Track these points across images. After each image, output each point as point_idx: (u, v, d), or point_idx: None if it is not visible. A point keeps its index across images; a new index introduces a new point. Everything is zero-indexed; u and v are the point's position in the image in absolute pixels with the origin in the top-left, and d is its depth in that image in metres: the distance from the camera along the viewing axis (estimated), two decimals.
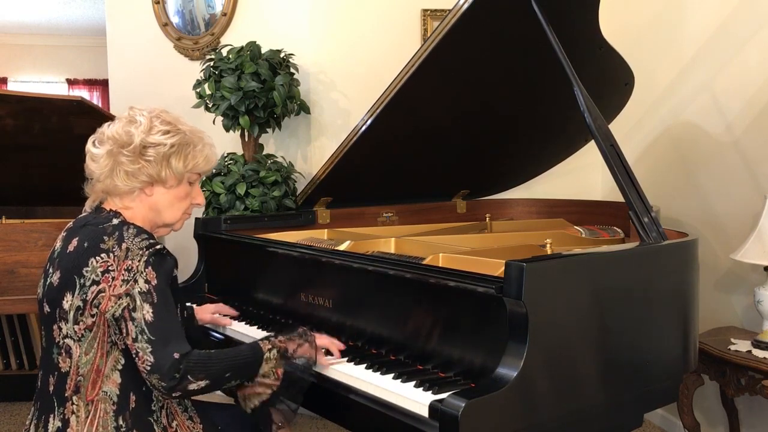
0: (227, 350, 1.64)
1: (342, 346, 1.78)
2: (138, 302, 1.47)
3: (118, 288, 1.47)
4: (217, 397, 3.20)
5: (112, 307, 1.47)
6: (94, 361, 1.51)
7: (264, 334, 2.01)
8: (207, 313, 2.16)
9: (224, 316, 2.19)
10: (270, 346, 1.61)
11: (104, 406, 1.51)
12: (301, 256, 2.06)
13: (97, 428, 1.50)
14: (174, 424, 1.59)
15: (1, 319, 3.56)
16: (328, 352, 1.76)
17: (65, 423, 1.51)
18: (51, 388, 1.55)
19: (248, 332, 2.06)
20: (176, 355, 1.46)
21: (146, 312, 1.46)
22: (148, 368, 1.46)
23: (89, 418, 1.51)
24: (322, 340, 1.76)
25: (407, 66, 2.18)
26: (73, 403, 1.52)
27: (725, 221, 2.79)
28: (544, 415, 1.48)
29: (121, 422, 1.51)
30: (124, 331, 1.48)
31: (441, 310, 1.65)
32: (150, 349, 1.45)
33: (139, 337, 1.46)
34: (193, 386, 1.48)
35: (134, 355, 1.48)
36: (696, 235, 1.97)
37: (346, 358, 1.74)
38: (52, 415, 1.53)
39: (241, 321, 2.16)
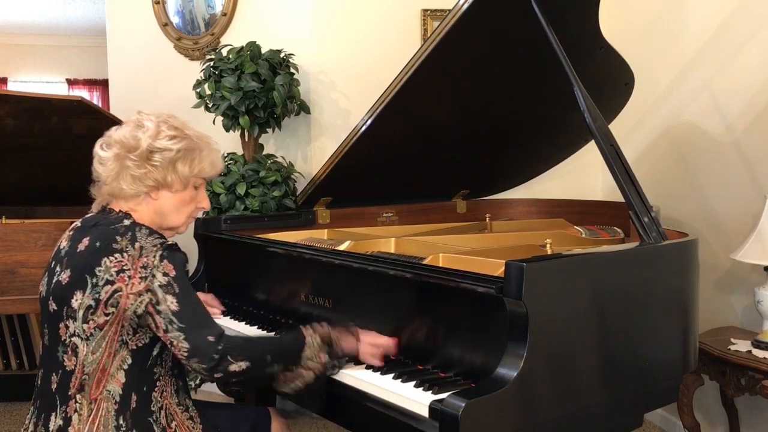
0: (267, 336, 1.70)
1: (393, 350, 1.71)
2: (160, 295, 1.49)
3: (137, 286, 1.49)
4: (218, 397, 3.21)
5: (132, 304, 1.49)
6: (101, 360, 1.52)
7: (263, 333, 2.02)
8: None
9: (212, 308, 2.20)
10: (312, 332, 1.64)
11: (106, 405, 1.52)
12: (301, 256, 2.06)
13: (98, 427, 1.50)
14: (173, 424, 1.59)
15: (1, 319, 3.56)
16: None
17: (67, 421, 1.52)
18: (53, 386, 1.55)
19: (247, 332, 2.05)
20: (210, 338, 1.49)
21: (170, 303, 1.49)
22: (186, 354, 1.49)
23: (91, 416, 1.51)
24: (378, 339, 1.72)
25: (407, 66, 2.18)
26: (76, 402, 1.52)
27: (725, 221, 2.79)
28: (544, 415, 1.49)
29: (121, 421, 1.52)
30: (153, 325, 1.50)
31: (441, 310, 1.65)
32: (183, 336, 1.48)
33: (169, 327, 1.48)
34: (234, 368, 1.50)
35: (169, 346, 1.51)
36: (696, 235, 1.97)
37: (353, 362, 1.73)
38: (53, 414, 1.54)
39: (241, 320, 2.16)
